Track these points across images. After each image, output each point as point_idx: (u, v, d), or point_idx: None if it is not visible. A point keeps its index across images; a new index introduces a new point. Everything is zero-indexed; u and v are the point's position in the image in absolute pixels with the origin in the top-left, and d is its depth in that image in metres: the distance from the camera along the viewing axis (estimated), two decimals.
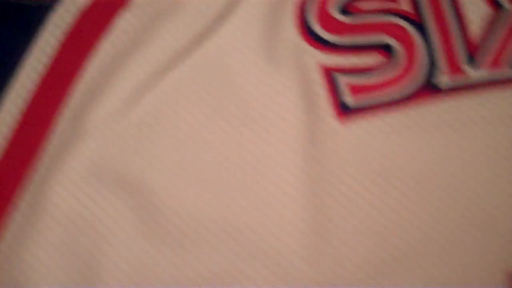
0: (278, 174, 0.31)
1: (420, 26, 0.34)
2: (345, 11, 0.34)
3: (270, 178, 0.31)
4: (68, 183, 0.31)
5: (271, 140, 0.32)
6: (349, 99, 0.32)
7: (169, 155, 0.32)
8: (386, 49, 0.33)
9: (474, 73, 0.33)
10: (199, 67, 0.33)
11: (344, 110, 0.32)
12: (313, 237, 0.30)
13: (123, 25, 0.34)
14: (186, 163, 0.31)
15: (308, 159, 0.32)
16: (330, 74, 0.33)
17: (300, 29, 0.34)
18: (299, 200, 0.31)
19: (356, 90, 0.33)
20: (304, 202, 0.31)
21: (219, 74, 0.34)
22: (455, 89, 0.32)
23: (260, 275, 0.29)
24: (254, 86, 0.33)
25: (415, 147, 0.32)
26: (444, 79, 0.33)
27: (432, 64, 0.33)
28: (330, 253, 0.30)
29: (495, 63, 0.33)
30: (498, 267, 0.29)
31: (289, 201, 0.31)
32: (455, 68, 0.33)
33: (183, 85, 0.33)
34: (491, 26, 0.33)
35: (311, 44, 0.34)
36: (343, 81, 0.33)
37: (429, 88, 0.32)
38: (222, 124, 0.33)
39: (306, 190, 0.31)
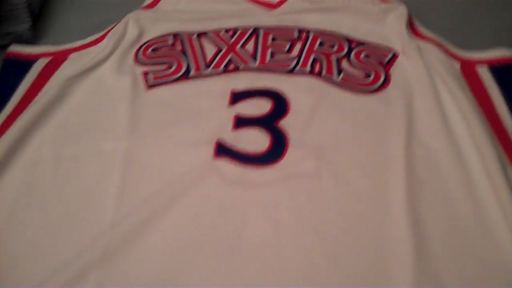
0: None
1: (184, 53, 0.81)
2: (154, 50, 0.82)
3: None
4: None
5: (115, 99, 0.77)
6: (151, 81, 0.78)
7: None
8: (169, 63, 0.80)
9: (207, 71, 0.79)
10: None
11: (149, 85, 0.78)
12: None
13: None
14: None
15: (133, 105, 0.76)
16: (145, 74, 0.79)
17: (135, 60, 0.81)
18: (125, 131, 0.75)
19: (155, 77, 0.78)
20: (129, 125, 0.75)
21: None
22: (197, 76, 0.79)
23: None
24: (113, 83, 0.79)
25: (182, 95, 0.77)
26: (192, 73, 0.79)
27: (188, 68, 0.79)
28: None
29: (215, 67, 0.79)
30: None
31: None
32: (198, 69, 0.79)
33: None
34: (214, 55, 0.81)
35: (138, 65, 0.80)
36: (150, 76, 0.78)
37: (186, 75, 0.78)
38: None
39: (130, 120, 0.75)
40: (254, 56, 0.78)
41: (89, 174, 0.65)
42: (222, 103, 0.72)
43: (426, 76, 0.73)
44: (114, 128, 0.70)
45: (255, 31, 0.82)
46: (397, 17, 0.80)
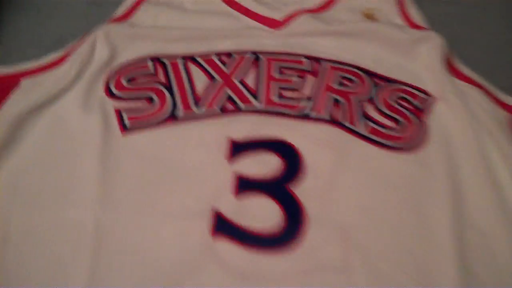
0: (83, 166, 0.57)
1: (169, 87, 0.63)
2: (129, 81, 0.63)
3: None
4: None
5: (81, 148, 0.58)
6: (128, 124, 0.60)
7: None
8: (150, 99, 0.62)
9: (198, 111, 0.62)
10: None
11: (125, 129, 0.60)
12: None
13: None
14: None
15: (105, 158, 0.58)
16: (119, 112, 0.61)
17: (106, 91, 0.63)
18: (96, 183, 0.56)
19: (131, 119, 0.60)
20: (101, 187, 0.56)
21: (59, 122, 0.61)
22: (186, 118, 0.61)
23: None
24: (78, 124, 0.60)
25: (165, 144, 0.59)
26: (180, 113, 0.61)
27: (174, 105, 0.62)
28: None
29: (209, 106, 0.62)
30: None
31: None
32: (187, 107, 0.62)
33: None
34: (207, 88, 0.64)
35: (111, 98, 0.62)
36: (125, 115, 0.61)
37: (173, 117, 0.61)
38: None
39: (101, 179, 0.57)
40: (256, 93, 0.62)
41: (48, 257, 0.50)
42: (219, 156, 0.57)
43: (471, 131, 0.59)
44: (81, 190, 0.54)
45: (255, 57, 0.65)
46: (432, 49, 0.66)
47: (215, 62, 0.64)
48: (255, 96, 0.62)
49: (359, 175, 0.56)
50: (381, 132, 0.60)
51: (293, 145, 0.58)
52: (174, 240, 0.51)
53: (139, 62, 0.63)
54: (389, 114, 0.61)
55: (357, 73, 0.65)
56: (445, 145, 0.59)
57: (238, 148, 0.58)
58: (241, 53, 0.65)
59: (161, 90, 0.61)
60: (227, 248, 0.51)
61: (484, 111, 0.61)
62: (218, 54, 0.65)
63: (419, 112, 0.62)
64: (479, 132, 0.59)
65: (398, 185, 0.56)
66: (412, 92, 0.63)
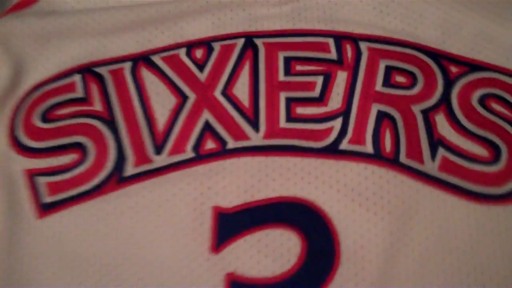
0: None
1: (111, 124, 0.38)
2: (45, 118, 0.38)
3: None
4: None
5: None
6: (46, 197, 0.36)
7: None
8: (81, 148, 0.37)
9: (159, 161, 0.37)
10: None
11: (42, 207, 0.36)
12: None
13: None
14: None
15: (11, 255, 0.35)
16: (31, 177, 0.37)
17: (10, 140, 0.38)
18: None
19: (53, 187, 0.36)
20: None
21: None
22: (141, 177, 0.36)
23: None
24: None
25: (106, 232, 0.35)
26: (130, 168, 0.37)
27: (121, 157, 0.37)
28: None
29: (176, 149, 0.37)
30: None
31: None
32: (142, 157, 0.37)
33: None
34: (173, 115, 0.38)
35: (18, 153, 0.38)
36: (42, 181, 0.36)
37: (117, 178, 0.36)
38: None
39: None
40: (253, 115, 0.37)
41: None
42: (196, 243, 0.35)
43: None
44: None
45: (248, 46, 0.40)
46: None
47: (184, 64, 0.39)
48: (252, 121, 0.36)
49: (430, 254, 0.34)
50: (461, 169, 0.36)
51: (319, 209, 0.35)
52: None
53: (60, 81, 0.38)
54: (473, 131, 0.35)
55: (416, 57, 0.39)
56: None
57: (228, 226, 0.35)
58: (226, 40, 0.39)
59: (99, 130, 0.38)
60: None
61: None
62: (189, 46, 0.39)
63: None
64: None
65: (498, 264, 0.34)
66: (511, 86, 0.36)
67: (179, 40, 0.41)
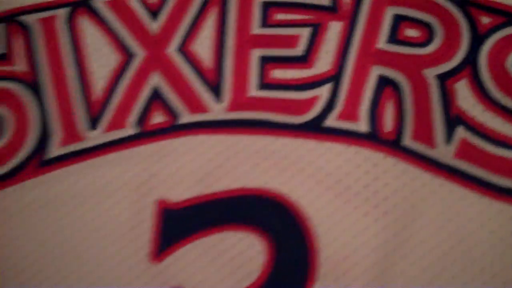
0: None
1: (35, 89, 0.30)
2: None
3: None
4: None
5: None
6: None
7: None
8: None
9: (93, 138, 0.29)
10: None
11: None
12: None
13: None
14: None
15: None
16: None
17: None
18: None
19: None
20: None
21: None
22: (67, 158, 0.29)
23: None
24: None
25: (24, 228, 0.28)
26: (55, 148, 0.29)
27: (45, 132, 0.29)
28: None
29: (115, 122, 0.29)
30: None
31: None
32: (72, 133, 0.29)
33: None
34: (114, 78, 0.30)
35: None
36: None
37: (38, 160, 0.29)
38: None
39: None
40: (216, 78, 0.29)
41: None
42: (132, 248, 0.28)
43: None
44: None
45: None
46: None
47: (132, 11, 0.31)
48: (213, 87, 0.29)
49: (429, 255, 0.27)
50: (485, 156, 0.28)
51: (292, 205, 0.28)
52: None
53: None
54: (508, 106, 0.28)
55: (436, 3, 0.29)
56: None
57: (174, 226, 0.28)
58: None
59: (18, 98, 0.30)
60: None
61: None
62: None
63: None
64: None
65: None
66: None
67: None
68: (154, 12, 0.32)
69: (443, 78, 0.29)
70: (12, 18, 0.32)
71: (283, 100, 0.29)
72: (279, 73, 0.30)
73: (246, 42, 0.30)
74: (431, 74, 0.29)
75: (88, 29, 0.32)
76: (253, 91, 0.30)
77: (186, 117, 0.29)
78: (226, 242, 0.27)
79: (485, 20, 0.30)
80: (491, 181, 0.27)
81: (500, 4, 0.30)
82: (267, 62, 0.30)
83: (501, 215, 0.27)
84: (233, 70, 0.30)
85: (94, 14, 0.32)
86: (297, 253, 0.27)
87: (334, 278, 0.26)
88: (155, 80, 0.30)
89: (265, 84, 0.30)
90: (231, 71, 0.30)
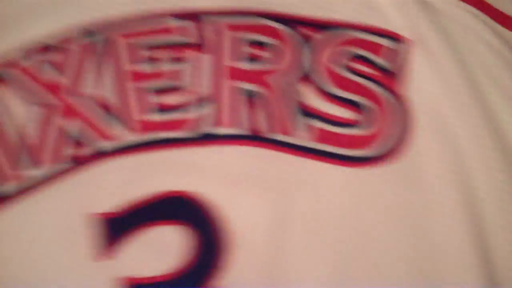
0: None
1: None
2: None
3: None
4: None
5: None
6: None
7: None
8: None
9: (37, 174, 0.35)
10: None
11: None
12: None
13: None
14: None
15: None
16: None
17: None
18: None
19: None
20: None
21: None
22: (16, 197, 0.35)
23: None
24: None
25: None
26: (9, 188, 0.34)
27: None
28: None
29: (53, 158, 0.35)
30: None
31: None
32: (13, 176, 0.35)
33: None
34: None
35: None
36: None
37: None
38: None
39: None
40: (118, 112, 0.37)
41: None
42: (80, 253, 0.34)
43: (466, 93, 0.38)
44: None
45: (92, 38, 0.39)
46: None
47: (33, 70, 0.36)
48: (118, 118, 0.35)
49: (316, 226, 0.35)
50: (336, 134, 0.36)
51: (203, 200, 0.35)
52: None
53: None
54: (340, 95, 0.37)
55: (271, 27, 0.39)
56: (438, 128, 0.37)
57: (113, 230, 0.35)
58: (66, 37, 0.38)
59: None
60: None
61: (483, 45, 0.39)
62: (39, 51, 0.36)
63: (388, 78, 0.38)
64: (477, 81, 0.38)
65: (379, 222, 0.35)
66: (372, 42, 0.38)
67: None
68: (54, 65, 0.38)
69: (292, 83, 0.38)
70: None
71: (177, 121, 0.37)
72: (169, 98, 0.37)
73: (134, 80, 0.37)
74: (284, 81, 0.38)
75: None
76: (152, 115, 0.37)
77: (104, 145, 0.36)
78: (153, 236, 0.34)
79: (311, 33, 0.39)
80: (343, 154, 0.36)
81: (316, 19, 0.40)
82: (155, 92, 0.37)
83: (355, 178, 0.36)
84: (131, 102, 0.37)
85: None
86: (213, 236, 0.34)
87: (244, 248, 0.34)
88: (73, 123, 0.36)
89: (160, 110, 0.37)
90: (129, 103, 0.37)
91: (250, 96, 0.36)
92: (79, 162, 0.35)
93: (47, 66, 0.37)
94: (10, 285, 0.33)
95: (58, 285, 0.34)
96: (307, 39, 0.38)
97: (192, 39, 0.38)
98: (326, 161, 0.36)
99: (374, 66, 0.38)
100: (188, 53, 0.38)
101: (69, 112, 0.36)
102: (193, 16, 0.38)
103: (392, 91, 0.37)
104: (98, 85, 0.37)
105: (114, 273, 0.33)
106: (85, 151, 0.36)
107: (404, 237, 0.35)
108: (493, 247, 0.34)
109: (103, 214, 0.34)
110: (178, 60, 0.38)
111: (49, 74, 0.37)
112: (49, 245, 0.34)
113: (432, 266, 0.34)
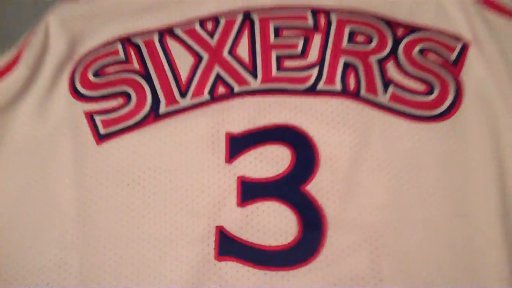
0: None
1: (147, 76, 0.52)
2: (97, 74, 0.52)
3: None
4: None
5: (54, 163, 0.49)
6: (102, 130, 0.50)
7: None
8: (125, 95, 0.51)
9: (184, 102, 0.50)
10: None
11: (99, 137, 0.49)
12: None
13: None
14: None
15: (80, 177, 0.48)
16: (90, 116, 0.50)
17: (71, 91, 0.52)
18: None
19: (106, 122, 0.50)
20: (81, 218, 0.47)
21: None
22: (171, 113, 0.50)
23: None
24: (41, 136, 0.50)
25: (145, 151, 0.49)
26: (163, 108, 0.50)
27: (156, 100, 0.50)
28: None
29: (196, 93, 0.51)
30: None
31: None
32: (171, 100, 0.50)
33: None
34: (192, 70, 0.52)
35: (77, 99, 0.51)
36: (98, 118, 0.50)
37: (153, 115, 0.50)
38: None
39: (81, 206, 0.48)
40: (252, 67, 0.51)
41: None
42: (215, 158, 0.48)
43: (508, 84, 0.49)
44: (59, 224, 0.47)
45: (247, 18, 0.53)
46: None
47: (198, 34, 0.52)
48: (251, 72, 0.50)
49: (383, 160, 0.47)
50: (405, 99, 0.49)
51: (303, 131, 0.48)
52: (172, 272, 0.43)
53: (106, 48, 0.52)
54: (415, 74, 0.49)
55: (373, 22, 0.52)
56: (482, 105, 0.49)
57: (237, 144, 0.48)
58: (230, 15, 0.52)
59: (138, 82, 0.51)
60: (236, 270, 0.44)
61: None
62: (202, 21, 0.52)
63: (451, 66, 0.50)
64: None
65: (431, 166, 0.47)
66: (441, 41, 0.51)
67: (194, 16, 0.54)
68: (211, 34, 0.54)
69: (380, 61, 0.52)
70: (126, 40, 0.54)
71: (292, 77, 0.51)
72: (288, 63, 0.52)
73: (268, 47, 0.53)
74: (373, 59, 0.52)
75: (172, 44, 0.53)
76: (274, 72, 0.51)
77: (237, 88, 0.51)
78: (268, 151, 0.48)
79: (400, 30, 0.54)
80: (411, 113, 0.49)
81: (406, 22, 0.54)
82: (281, 57, 0.53)
83: (418, 130, 0.48)
84: (262, 62, 0.52)
85: (175, 36, 0.54)
86: (308, 154, 0.48)
87: (330, 165, 0.48)
88: (217, 69, 0.52)
89: (281, 69, 0.52)
90: (260, 63, 0.52)
91: (350, 66, 0.50)
92: (216, 98, 0.50)
93: (202, 30, 0.53)
94: (164, 176, 0.48)
95: (199, 177, 0.47)
96: (396, 35, 0.52)
97: (315, 25, 0.53)
98: (397, 116, 0.48)
99: (441, 56, 0.51)
100: (313, 34, 0.52)
101: (218, 60, 0.51)
102: (322, 10, 0.53)
103: (452, 74, 0.50)
104: (236, 48, 0.52)
105: (235, 174, 0.47)
106: (222, 90, 0.50)
107: (446, 179, 0.46)
108: None
109: (233, 133, 0.48)
110: (305, 37, 0.52)
111: (203, 36, 0.52)
112: (192, 150, 0.48)
113: (465, 206, 0.45)
